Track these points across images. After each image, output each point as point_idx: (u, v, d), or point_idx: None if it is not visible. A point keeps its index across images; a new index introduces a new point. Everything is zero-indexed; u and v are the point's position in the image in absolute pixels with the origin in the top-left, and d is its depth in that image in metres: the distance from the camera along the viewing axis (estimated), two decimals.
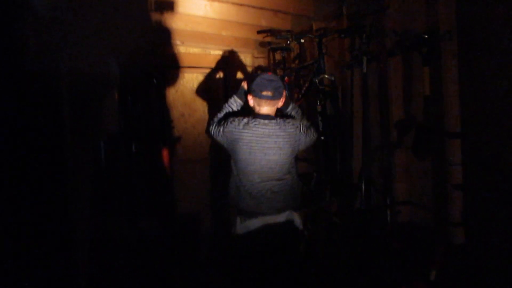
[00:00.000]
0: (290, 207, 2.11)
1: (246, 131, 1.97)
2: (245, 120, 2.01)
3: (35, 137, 1.66)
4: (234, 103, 2.20)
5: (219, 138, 2.07)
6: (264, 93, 1.98)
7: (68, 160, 1.79)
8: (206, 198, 3.45)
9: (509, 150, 1.79)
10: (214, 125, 2.10)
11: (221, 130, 2.04)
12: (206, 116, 3.48)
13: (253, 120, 2.01)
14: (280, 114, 2.21)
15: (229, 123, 2.02)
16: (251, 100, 2.08)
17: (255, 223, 2.03)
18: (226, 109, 2.19)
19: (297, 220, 2.13)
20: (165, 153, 3.00)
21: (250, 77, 2.15)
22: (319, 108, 2.83)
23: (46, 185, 1.72)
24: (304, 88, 3.08)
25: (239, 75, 3.67)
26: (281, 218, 2.05)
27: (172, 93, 3.27)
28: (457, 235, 2.07)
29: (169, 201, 3.14)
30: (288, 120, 2.07)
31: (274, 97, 2.01)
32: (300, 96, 3.20)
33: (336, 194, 2.99)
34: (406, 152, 2.51)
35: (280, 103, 2.09)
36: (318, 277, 2.69)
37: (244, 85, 2.20)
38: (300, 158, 3.59)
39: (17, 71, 1.60)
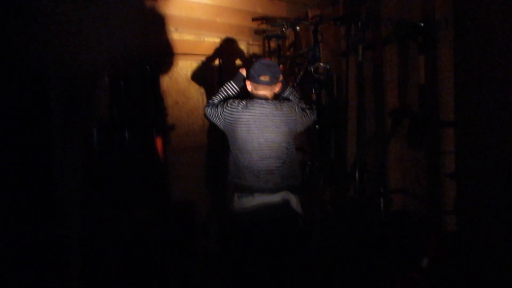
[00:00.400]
0: (287, 188, 2.13)
1: (244, 111, 2.03)
2: (244, 102, 2.06)
3: (19, 126, 1.62)
4: (231, 89, 2.23)
5: (215, 119, 2.12)
6: (262, 78, 2.03)
7: (56, 148, 1.76)
8: (200, 186, 3.45)
9: (502, 139, 1.80)
10: (211, 107, 2.15)
11: (219, 111, 2.09)
12: (201, 104, 3.45)
13: (251, 101, 2.06)
14: (277, 97, 2.22)
15: (228, 105, 2.07)
16: (249, 85, 2.13)
17: (252, 200, 2.07)
18: (223, 93, 2.23)
19: (294, 201, 2.15)
20: (159, 141, 2.98)
21: (248, 63, 2.17)
22: (314, 97, 2.82)
23: (32, 176, 1.69)
24: (299, 77, 3.07)
25: (234, 63, 3.63)
26: (277, 197, 2.09)
27: (166, 81, 3.23)
28: (449, 223, 2.09)
29: (163, 189, 3.13)
30: (283, 101, 2.13)
31: (271, 82, 2.06)
32: (295, 84, 3.18)
33: (330, 182, 3.00)
34: (400, 141, 2.51)
35: (277, 88, 2.14)
36: (312, 265, 2.71)
37: (242, 71, 2.21)
38: (294, 147, 3.59)
39: None
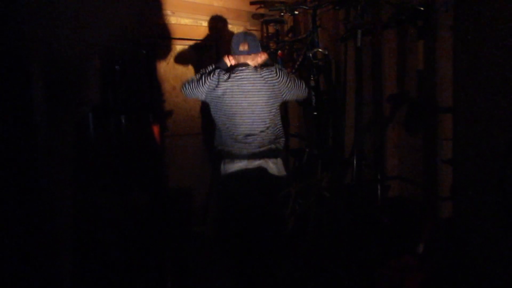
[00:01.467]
0: (271, 150, 2.21)
1: (228, 79, 2.13)
2: (227, 71, 2.18)
3: None
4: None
5: (197, 89, 2.20)
6: (241, 47, 2.13)
7: (40, 135, 1.71)
8: (197, 173, 3.44)
9: (499, 126, 1.79)
10: (190, 81, 2.25)
11: (202, 80, 2.18)
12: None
13: (233, 69, 2.17)
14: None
15: (213, 74, 2.17)
16: (232, 60, 2.22)
17: (236, 165, 2.18)
18: (202, 72, 2.30)
19: (276, 165, 2.24)
20: (155, 127, 2.96)
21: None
22: (312, 83, 2.79)
23: (13, 166, 1.63)
24: (298, 62, 3.03)
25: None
26: (260, 161, 2.17)
27: (163, 66, 3.18)
28: (445, 209, 2.10)
29: (159, 175, 3.12)
30: (264, 66, 2.20)
31: (250, 51, 2.15)
32: (293, 70, 3.15)
33: (328, 169, 2.99)
34: (398, 127, 2.50)
35: (258, 59, 2.20)
36: (309, 251, 2.73)
37: (226, 59, 2.27)
38: (291, 133, 3.58)
39: None
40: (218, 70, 2.18)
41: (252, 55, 2.15)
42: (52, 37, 1.82)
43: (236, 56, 2.17)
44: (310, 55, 2.76)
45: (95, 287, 2.29)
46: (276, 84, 2.15)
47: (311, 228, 2.84)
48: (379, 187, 2.51)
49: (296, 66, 3.06)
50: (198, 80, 2.21)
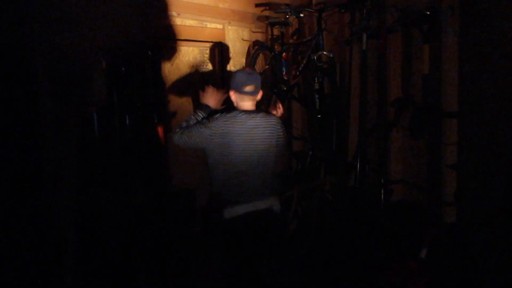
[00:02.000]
0: (270, 194, 2.20)
1: (235, 124, 2.07)
2: (229, 115, 2.09)
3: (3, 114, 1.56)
4: (200, 116, 2.22)
5: (196, 138, 2.08)
6: (247, 88, 2.10)
7: (47, 136, 1.72)
8: (199, 173, 3.44)
9: (505, 132, 1.78)
10: (183, 130, 2.12)
11: (204, 127, 2.08)
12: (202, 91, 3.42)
13: (239, 114, 2.10)
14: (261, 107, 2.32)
15: (214, 120, 2.08)
16: (233, 96, 2.16)
17: (238, 210, 2.11)
18: (192, 120, 2.20)
19: (277, 205, 2.23)
20: (160, 128, 2.97)
21: (206, 88, 2.30)
22: (316, 86, 2.79)
23: (20, 167, 1.63)
24: (302, 65, 3.03)
25: (236, 50, 3.60)
26: (263, 204, 2.15)
27: (167, 66, 3.19)
28: (449, 214, 2.09)
29: (163, 176, 3.13)
30: (270, 114, 2.24)
31: (256, 92, 2.14)
32: (297, 73, 3.15)
33: (331, 172, 2.99)
34: (403, 131, 2.50)
35: (259, 96, 2.20)
36: (311, 254, 2.72)
37: (204, 99, 2.27)
38: (295, 136, 3.58)
39: None
40: (217, 115, 2.11)
41: (256, 95, 2.16)
42: (58, 38, 1.83)
43: (240, 95, 2.13)
44: (315, 57, 2.75)
45: (97, 287, 2.29)
46: (277, 131, 2.19)
47: (314, 231, 2.84)
48: (382, 191, 2.51)
49: (301, 68, 3.06)
50: (197, 127, 2.10)
